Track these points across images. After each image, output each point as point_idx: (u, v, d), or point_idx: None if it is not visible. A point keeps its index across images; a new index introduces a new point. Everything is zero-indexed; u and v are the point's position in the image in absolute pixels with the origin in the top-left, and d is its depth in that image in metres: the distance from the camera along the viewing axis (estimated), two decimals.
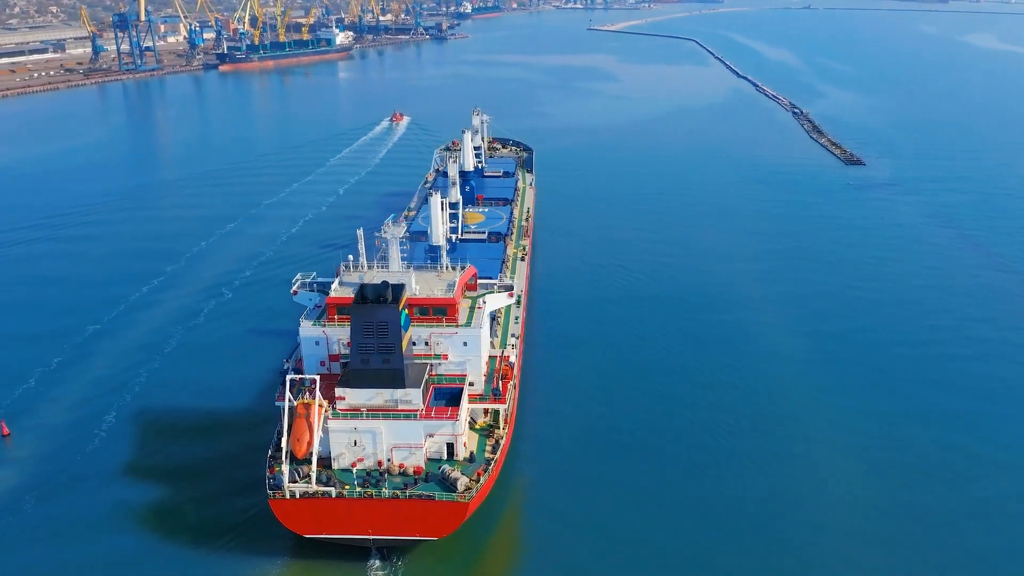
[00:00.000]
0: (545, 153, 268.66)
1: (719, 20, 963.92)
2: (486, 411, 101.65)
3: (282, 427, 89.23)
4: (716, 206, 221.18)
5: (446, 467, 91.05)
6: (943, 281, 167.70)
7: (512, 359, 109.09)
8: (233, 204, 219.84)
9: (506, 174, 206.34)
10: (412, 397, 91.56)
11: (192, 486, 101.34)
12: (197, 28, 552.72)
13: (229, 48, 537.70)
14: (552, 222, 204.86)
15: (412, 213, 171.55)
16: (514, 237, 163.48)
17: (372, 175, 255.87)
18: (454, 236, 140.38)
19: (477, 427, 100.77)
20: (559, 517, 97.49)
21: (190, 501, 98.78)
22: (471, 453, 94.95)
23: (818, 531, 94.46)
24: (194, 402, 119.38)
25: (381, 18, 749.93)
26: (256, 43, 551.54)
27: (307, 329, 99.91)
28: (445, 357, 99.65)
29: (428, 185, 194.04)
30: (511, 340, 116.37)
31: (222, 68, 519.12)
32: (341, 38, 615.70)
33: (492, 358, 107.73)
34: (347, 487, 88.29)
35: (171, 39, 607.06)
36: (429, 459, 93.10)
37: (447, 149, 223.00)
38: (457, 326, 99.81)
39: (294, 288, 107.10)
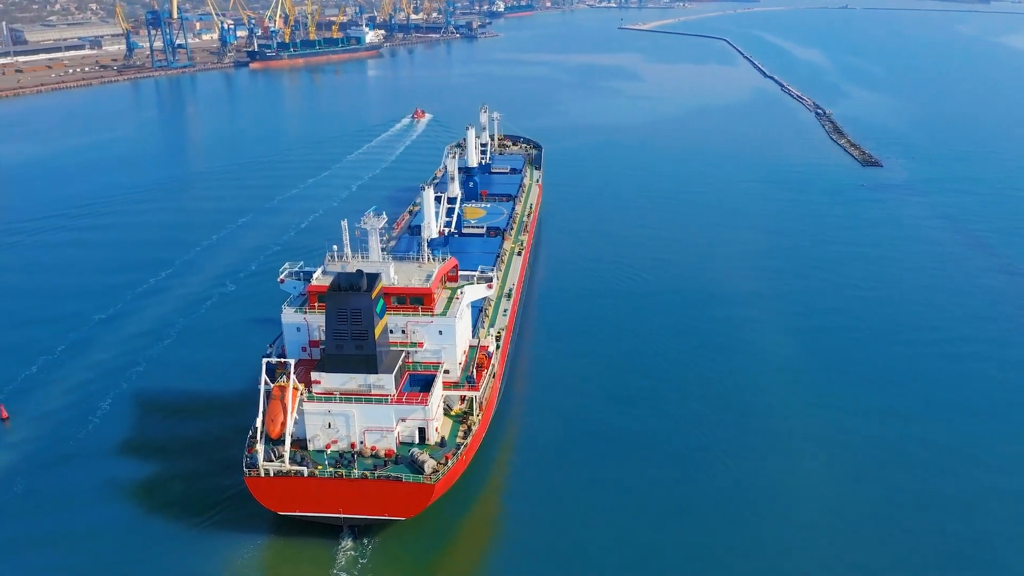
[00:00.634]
0: (561, 151, 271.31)
1: (753, 19, 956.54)
2: (462, 398, 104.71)
3: (259, 409, 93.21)
4: (724, 205, 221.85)
5: (415, 450, 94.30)
6: (941, 281, 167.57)
7: (491, 349, 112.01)
8: (252, 197, 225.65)
9: (513, 171, 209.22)
10: (384, 382, 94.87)
11: (181, 464, 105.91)
12: (232, 26, 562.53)
13: (260, 46, 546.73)
14: (557, 218, 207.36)
15: (417, 208, 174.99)
16: (513, 232, 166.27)
17: (388, 171, 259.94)
18: (446, 230, 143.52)
19: (453, 413, 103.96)
20: (531, 503, 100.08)
21: (178, 478, 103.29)
22: (442, 438, 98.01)
23: (786, 523, 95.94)
24: (189, 385, 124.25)
25: (412, 17, 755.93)
26: (286, 41, 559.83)
27: (289, 316, 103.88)
28: (421, 345, 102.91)
29: (436, 181, 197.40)
30: (491, 331, 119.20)
31: (252, 66, 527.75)
32: (371, 36, 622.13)
33: (473, 348, 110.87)
34: (319, 467, 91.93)
35: (206, 36, 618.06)
36: (401, 443, 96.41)
37: (458, 146, 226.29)
38: (433, 315, 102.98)
39: (281, 277, 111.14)
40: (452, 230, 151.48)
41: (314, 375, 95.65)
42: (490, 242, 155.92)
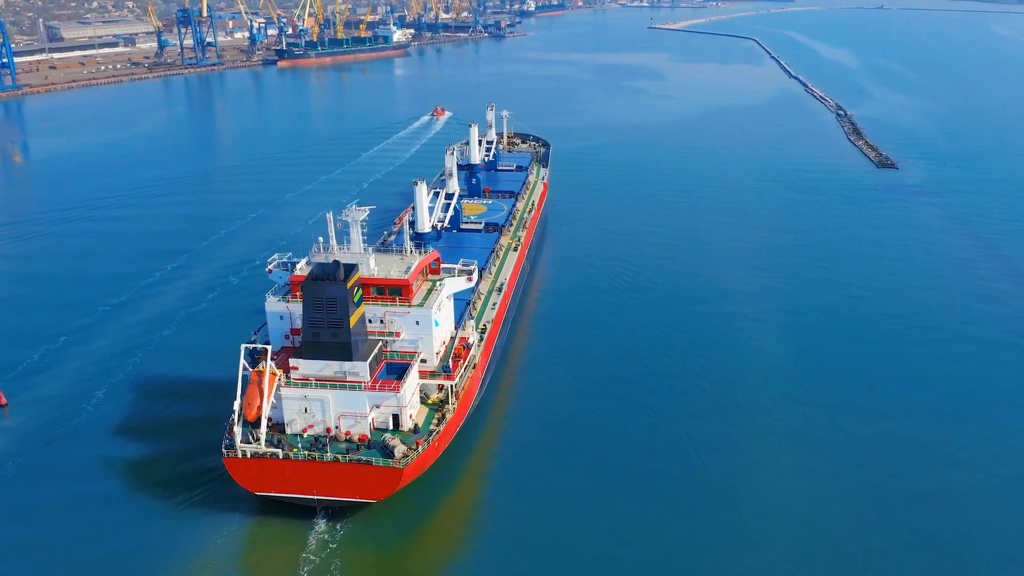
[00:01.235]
0: (575, 150, 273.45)
1: (785, 19, 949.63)
2: (440, 387, 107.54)
3: (237, 392, 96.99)
4: (733, 205, 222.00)
5: (387, 435, 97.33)
6: (943, 282, 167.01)
7: (471, 340, 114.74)
8: (268, 191, 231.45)
9: (519, 168, 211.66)
10: (359, 369, 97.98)
11: (170, 445, 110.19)
12: (262, 24, 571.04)
13: (288, 44, 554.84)
14: (562, 216, 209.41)
15: None
16: (512, 229, 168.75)
17: (403, 167, 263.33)
18: (439, 224, 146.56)
19: (430, 402, 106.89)
20: (507, 492, 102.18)
21: (165, 458, 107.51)
22: (416, 425, 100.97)
23: (762, 515, 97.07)
24: (184, 371, 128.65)
25: (442, 16, 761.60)
26: (315, 40, 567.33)
27: (272, 304, 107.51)
28: (399, 335, 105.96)
29: (443, 177, 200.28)
30: (471, 322, 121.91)
31: (280, 64, 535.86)
32: (399, 35, 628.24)
33: (454, 339, 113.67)
34: (294, 450, 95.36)
35: (238, 35, 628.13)
36: (376, 428, 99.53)
37: (467, 143, 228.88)
38: (410, 306, 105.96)
39: (269, 267, 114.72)
40: (448, 225, 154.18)
41: (292, 361, 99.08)
42: (487, 237, 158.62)
